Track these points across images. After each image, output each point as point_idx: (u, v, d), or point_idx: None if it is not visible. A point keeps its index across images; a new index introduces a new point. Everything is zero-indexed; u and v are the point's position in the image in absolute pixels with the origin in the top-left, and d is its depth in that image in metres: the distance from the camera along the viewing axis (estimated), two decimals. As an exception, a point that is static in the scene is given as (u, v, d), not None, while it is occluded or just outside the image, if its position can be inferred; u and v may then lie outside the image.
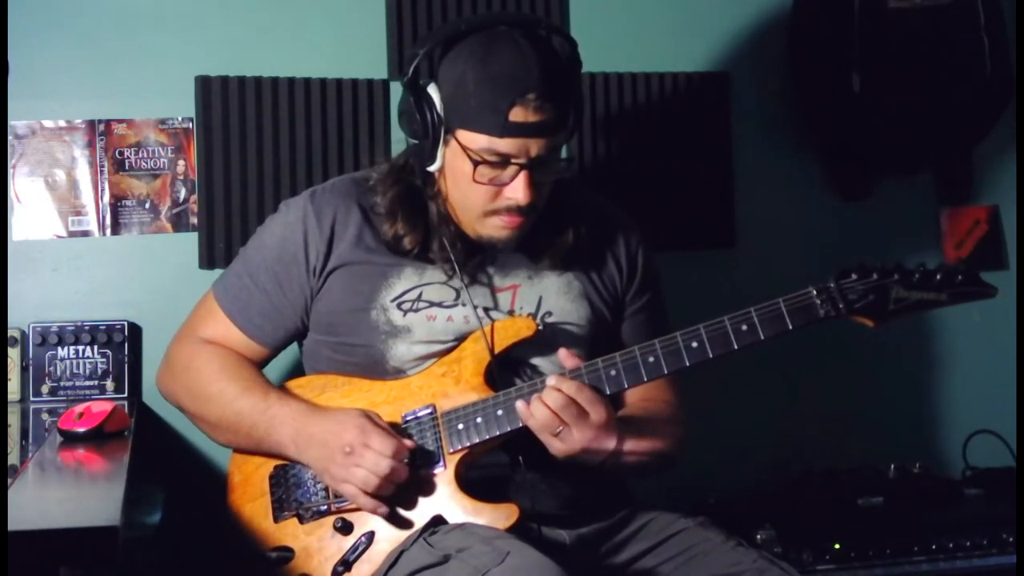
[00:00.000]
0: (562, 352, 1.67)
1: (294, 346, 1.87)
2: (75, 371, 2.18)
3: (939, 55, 2.45)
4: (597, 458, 1.62)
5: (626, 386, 1.64)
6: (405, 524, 1.64)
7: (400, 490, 1.63)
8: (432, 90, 1.68)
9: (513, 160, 1.64)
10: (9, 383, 2.14)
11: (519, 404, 1.61)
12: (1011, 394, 2.54)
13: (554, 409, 1.57)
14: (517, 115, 1.61)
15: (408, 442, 1.64)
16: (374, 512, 1.63)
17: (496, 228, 1.71)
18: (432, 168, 1.72)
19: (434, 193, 1.76)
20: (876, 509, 2.28)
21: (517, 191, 1.65)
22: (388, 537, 1.63)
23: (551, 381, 1.60)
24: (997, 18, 2.48)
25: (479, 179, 1.65)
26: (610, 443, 1.61)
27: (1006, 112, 2.57)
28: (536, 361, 1.75)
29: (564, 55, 1.74)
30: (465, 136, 1.65)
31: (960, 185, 2.70)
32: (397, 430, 1.67)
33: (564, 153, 2.37)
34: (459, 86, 1.64)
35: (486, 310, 1.75)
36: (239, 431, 1.74)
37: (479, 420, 1.66)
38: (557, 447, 1.60)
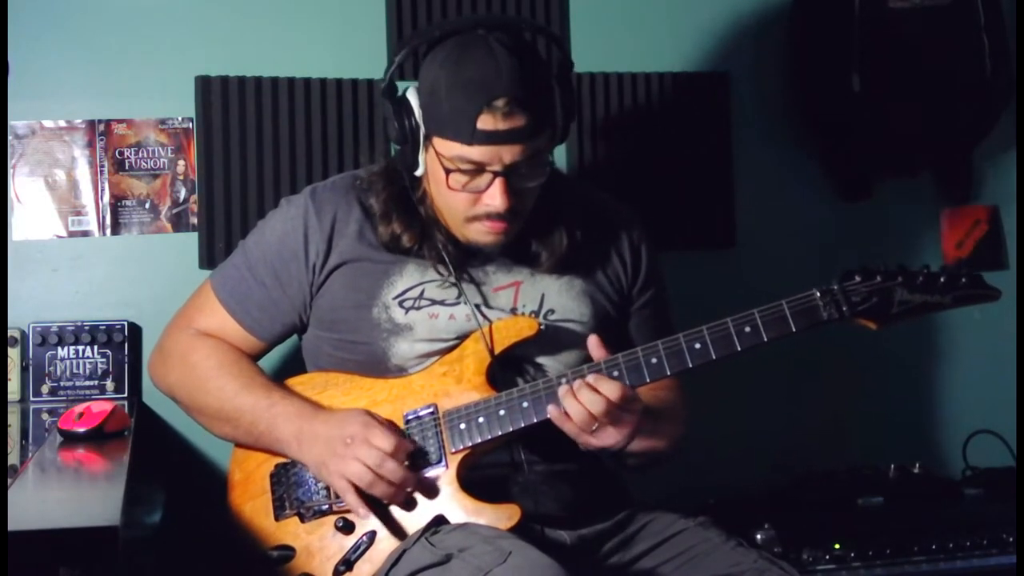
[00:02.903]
0: (592, 340, 1.65)
1: (293, 339, 1.87)
2: (75, 371, 2.18)
3: (939, 55, 2.45)
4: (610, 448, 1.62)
5: (629, 387, 1.64)
6: (406, 524, 1.64)
7: (396, 497, 1.63)
8: (411, 95, 1.68)
9: (487, 167, 1.62)
10: (9, 383, 2.14)
11: (552, 409, 1.59)
12: (1011, 394, 2.54)
13: (594, 413, 1.56)
14: (486, 122, 1.58)
15: (408, 442, 1.64)
16: (356, 513, 1.62)
17: (480, 233, 1.70)
18: (417, 173, 1.71)
19: (420, 197, 1.76)
20: (876, 509, 2.28)
21: (494, 198, 1.63)
22: (389, 537, 1.63)
23: (591, 380, 1.58)
24: (997, 18, 2.48)
25: (453, 186, 1.64)
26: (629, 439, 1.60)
27: (1006, 112, 2.57)
28: (539, 360, 1.75)
29: (555, 57, 1.73)
30: (439, 143, 1.64)
31: (960, 185, 2.70)
32: (398, 430, 1.67)
33: (564, 153, 2.40)
34: (433, 92, 1.63)
35: (488, 308, 1.74)
36: (239, 426, 1.74)
37: (481, 420, 1.65)
38: (591, 443, 1.59)
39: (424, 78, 1.66)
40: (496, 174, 1.62)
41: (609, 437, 1.59)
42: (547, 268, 1.77)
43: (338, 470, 1.61)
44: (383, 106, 1.71)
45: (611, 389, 1.57)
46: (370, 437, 1.60)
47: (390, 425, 1.66)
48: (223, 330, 1.81)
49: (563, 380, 1.62)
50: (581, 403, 1.56)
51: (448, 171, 1.63)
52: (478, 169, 1.63)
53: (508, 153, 1.61)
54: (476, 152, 1.60)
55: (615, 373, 1.62)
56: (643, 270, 1.87)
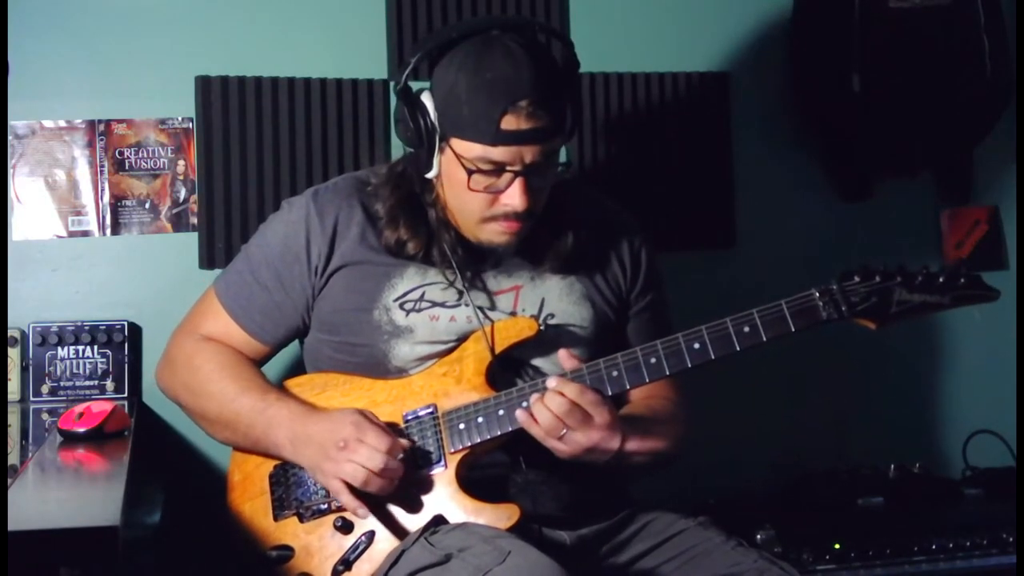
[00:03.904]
0: (562, 353, 1.67)
1: (295, 344, 1.87)
2: (75, 371, 2.18)
3: (939, 55, 2.45)
4: (601, 459, 1.62)
5: (628, 387, 1.64)
6: (406, 524, 1.64)
7: (396, 491, 1.63)
8: (426, 98, 1.68)
9: (508, 167, 1.63)
10: (9, 383, 2.14)
11: (519, 413, 1.61)
12: (1011, 394, 2.54)
13: (557, 414, 1.57)
14: (510, 123, 1.60)
15: (403, 440, 1.64)
16: (354, 513, 1.62)
17: (495, 233, 1.70)
18: (429, 176, 1.71)
19: (432, 200, 1.76)
20: (876, 509, 2.28)
21: (514, 198, 1.65)
22: (388, 536, 1.63)
23: (552, 383, 1.59)
24: (997, 18, 2.48)
25: (474, 187, 1.65)
26: (614, 443, 1.61)
27: (1006, 112, 2.57)
28: (538, 362, 1.75)
29: (560, 57, 1.74)
30: (459, 145, 1.64)
31: (960, 185, 2.70)
32: (397, 430, 1.67)
33: (564, 155, 2.40)
34: (451, 94, 1.63)
35: (488, 311, 1.75)
36: (237, 430, 1.74)
37: (480, 420, 1.66)
38: (561, 449, 1.60)
39: (440, 81, 1.66)
40: (516, 174, 1.63)
41: (578, 443, 1.58)
42: (549, 269, 1.78)
43: (333, 472, 1.61)
44: (398, 108, 1.71)
45: (573, 389, 1.58)
46: (363, 437, 1.60)
47: (384, 425, 1.66)
48: (227, 335, 1.81)
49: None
50: (547, 407, 1.57)
51: (470, 172, 1.63)
52: (498, 169, 1.64)
53: (529, 153, 1.62)
54: (498, 153, 1.61)
55: (614, 372, 1.63)
56: (642, 274, 1.87)
